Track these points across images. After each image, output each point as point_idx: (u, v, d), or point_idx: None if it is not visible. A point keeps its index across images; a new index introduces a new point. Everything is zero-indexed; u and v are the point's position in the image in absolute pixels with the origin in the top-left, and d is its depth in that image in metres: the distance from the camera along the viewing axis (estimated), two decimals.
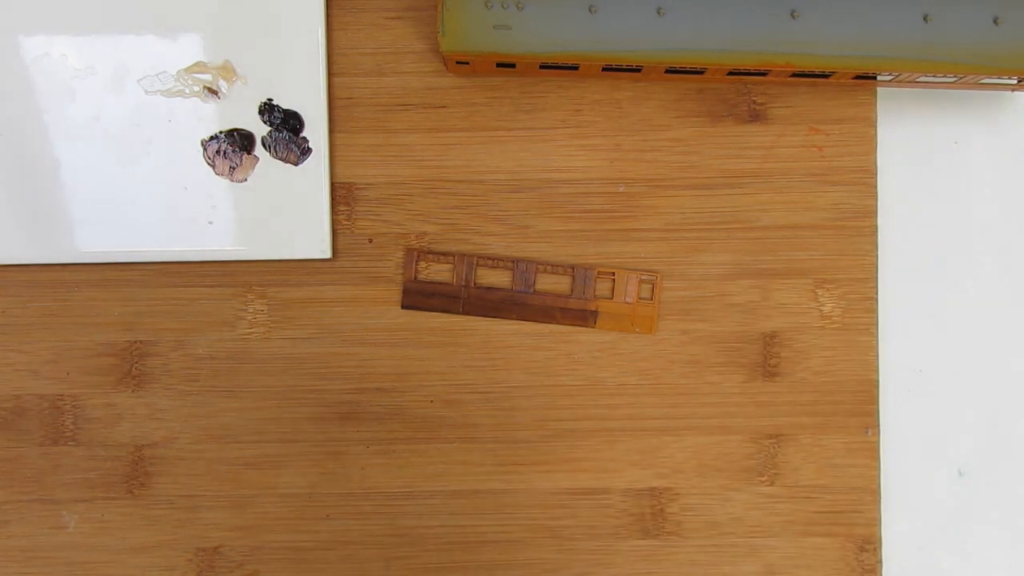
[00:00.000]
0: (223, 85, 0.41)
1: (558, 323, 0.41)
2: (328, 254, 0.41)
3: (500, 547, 0.42)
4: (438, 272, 0.41)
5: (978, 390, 0.43)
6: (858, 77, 0.39)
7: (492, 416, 0.42)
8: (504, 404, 0.42)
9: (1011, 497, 0.43)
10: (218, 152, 0.41)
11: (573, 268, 0.41)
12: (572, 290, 0.41)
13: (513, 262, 0.41)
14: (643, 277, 0.41)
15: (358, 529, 0.42)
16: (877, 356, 0.42)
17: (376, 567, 0.42)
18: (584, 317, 0.41)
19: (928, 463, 0.42)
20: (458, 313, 0.41)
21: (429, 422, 0.42)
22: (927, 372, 0.43)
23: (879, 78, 0.39)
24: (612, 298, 0.41)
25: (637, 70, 0.39)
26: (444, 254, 0.41)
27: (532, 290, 0.41)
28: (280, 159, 0.41)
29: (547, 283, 0.42)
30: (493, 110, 0.42)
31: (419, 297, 0.41)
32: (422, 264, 0.41)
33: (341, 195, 0.42)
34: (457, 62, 0.39)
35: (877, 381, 0.42)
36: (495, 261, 0.41)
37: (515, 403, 0.42)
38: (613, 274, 0.41)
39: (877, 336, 0.42)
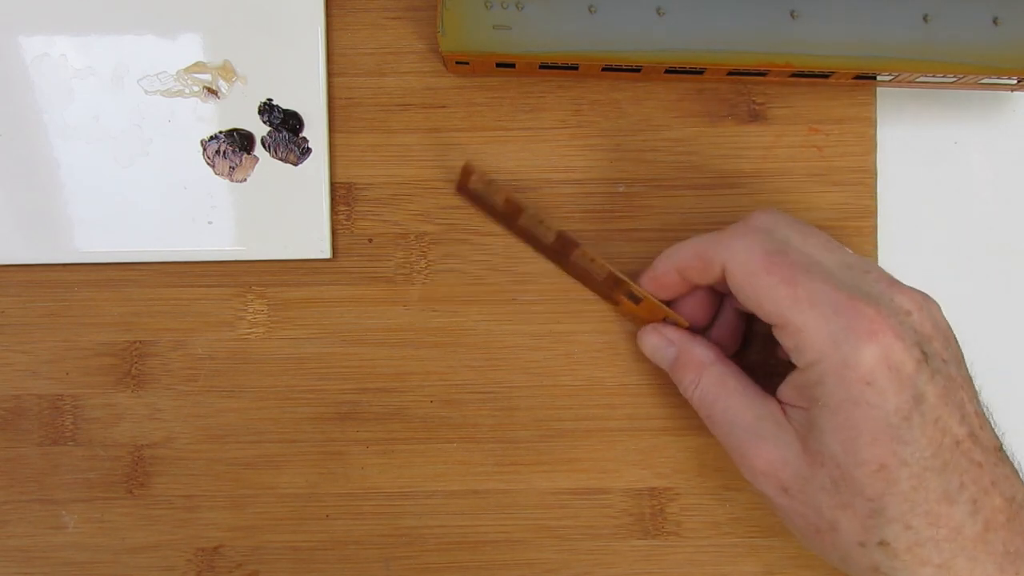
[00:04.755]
0: (223, 85, 0.41)
1: (591, 290, 0.41)
2: (328, 254, 0.41)
3: (500, 547, 0.42)
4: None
5: (978, 390, 0.43)
6: (858, 77, 0.39)
7: (492, 416, 0.42)
8: (504, 404, 0.42)
9: None
10: (218, 152, 0.41)
11: (609, 273, 0.40)
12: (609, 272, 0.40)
13: (557, 234, 0.40)
14: (671, 317, 0.40)
15: (358, 529, 0.42)
16: None
17: (376, 567, 0.42)
18: (621, 295, 0.40)
19: None
20: (499, 225, 0.41)
21: (429, 422, 0.42)
22: None
23: (879, 78, 0.40)
24: (638, 304, 0.40)
25: (637, 70, 0.39)
26: (497, 192, 0.40)
27: (569, 258, 0.40)
28: (280, 159, 0.41)
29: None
30: (493, 110, 0.42)
31: (472, 195, 0.40)
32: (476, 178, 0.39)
33: (341, 195, 0.42)
34: (457, 62, 0.39)
35: None
36: (540, 222, 0.40)
37: (515, 403, 0.42)
38: (643, 298, 0.40)
39: None
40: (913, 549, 0.33)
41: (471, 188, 0.40)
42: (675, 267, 0.38)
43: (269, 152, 0.41)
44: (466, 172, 0.39)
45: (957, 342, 0.35)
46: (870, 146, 0.42)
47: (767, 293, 0.34)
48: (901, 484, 0.32)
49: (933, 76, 0.39)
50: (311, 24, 0.41)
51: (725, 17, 0.37)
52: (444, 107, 0.42)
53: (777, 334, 0.35)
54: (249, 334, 0.42)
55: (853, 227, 0.42)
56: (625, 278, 0.39)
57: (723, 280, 0.36)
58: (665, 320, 0.40)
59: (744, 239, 0.35)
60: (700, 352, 0.38)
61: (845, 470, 0.33)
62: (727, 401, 0.36)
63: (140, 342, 0.42)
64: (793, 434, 0.35)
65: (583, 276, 0.41)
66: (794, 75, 0.39)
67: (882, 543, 0.33)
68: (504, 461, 0.42)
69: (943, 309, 0.35)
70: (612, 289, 0.40)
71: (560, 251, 0.40)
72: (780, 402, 0.36)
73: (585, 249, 0.40)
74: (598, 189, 0.42)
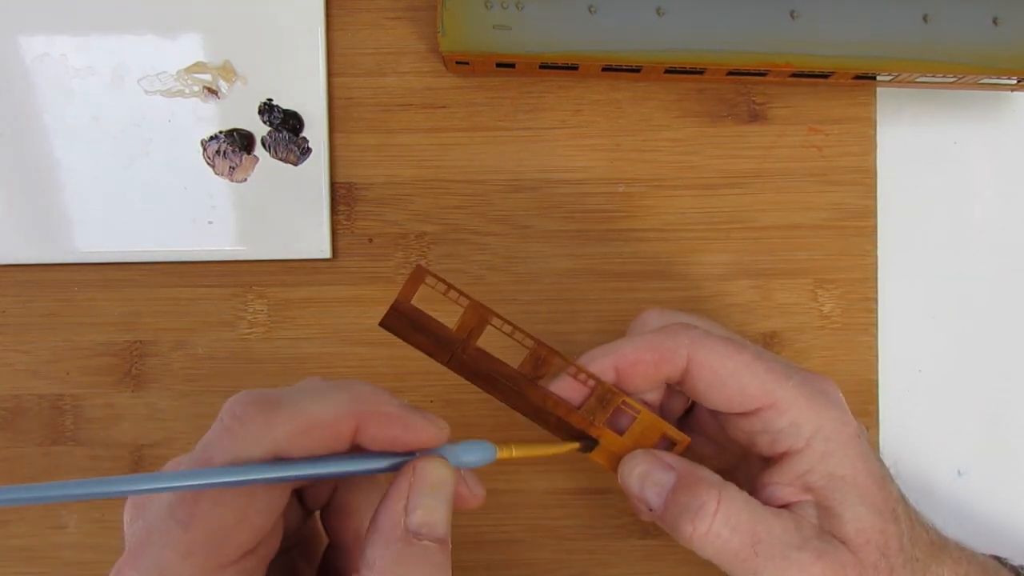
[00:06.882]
0: (223, 85, 0.41)
1: (548, 429, 0.33)
2: (328, 254, 0.41)
3: (500, 547, 0.42)
4: (440, 305, 0.32)
5: (978, 390, 0.43)
6: (858, 77, 0.39)
7: (492, 416, 0.42)
8: (504, 404, 0.42)
9: (1011, 497, 0.43)
10: (218, 152, 0.41)
11: (597, 384, 0.33)
12: (582, 404, 0.33)
13: (535, 342, 0.32)
14: (670, 434, 0.34)
15: None
16: (877, 356, 0.42)
17: None
18: (579, 440, 0.34)
19: (928, 463, 0.42)
20: (441, 363, 0.33)
21: None
22: (927, 372, 0.43)
23: (879, 78, 0.39)
24: (622, 435, 0.33)
25: (637, 70, 0.39)
26: (460, 292, 0.31)
27: (537, 382, 0.33)
28: (280, 159, 0.41)
29: (559, 381, 0.34)
30: (493, 110, 0.42)
31: (405, 324, 0.32)
32: (426, 286, 0.31)
33: (341, 195, 0.42)
34: (457, 62, 0.39)
35: (877, 381, 0.42)
36: (514, 329, 0.32)
37: None
38: (638, 412, 0.33)
39: (877, 336, 0.42)
40: None
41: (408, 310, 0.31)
42: (614, 366, 0.33)
43: (269, 152, 0.41)
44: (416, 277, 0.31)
45: None
46: (870, 146, 0.42)
47: (748, 372, 0.31)
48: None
49: (933, 76, 0.39)
50: (311, 24, 0.41)
51: (725, 17, 0.37)
52: (444, 107, 0.42)
53: (752, 424, 0.32)
54: (249, 334, 0.42)
55: (853, 227, 0.42)
56: (622, 392, 0.33)
57: (675, 377, 0.32)
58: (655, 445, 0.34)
59: (693, 329, 0.32)
60: (707, 472, 0.32)
61: (885, 531, 0.31)
62: (768, 522, 0.31)
63: (140, 342, 0.42)
64: (818, 530, 0.31)
65: (547, 408, 0.33)
66: (794, 75, 0.39)
67: None
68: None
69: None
70: (596, 410, 0.33)
71: (533, 370, 0.33)
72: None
73: (568, 358, 0.32)
74: (598, 189, 0.42)
